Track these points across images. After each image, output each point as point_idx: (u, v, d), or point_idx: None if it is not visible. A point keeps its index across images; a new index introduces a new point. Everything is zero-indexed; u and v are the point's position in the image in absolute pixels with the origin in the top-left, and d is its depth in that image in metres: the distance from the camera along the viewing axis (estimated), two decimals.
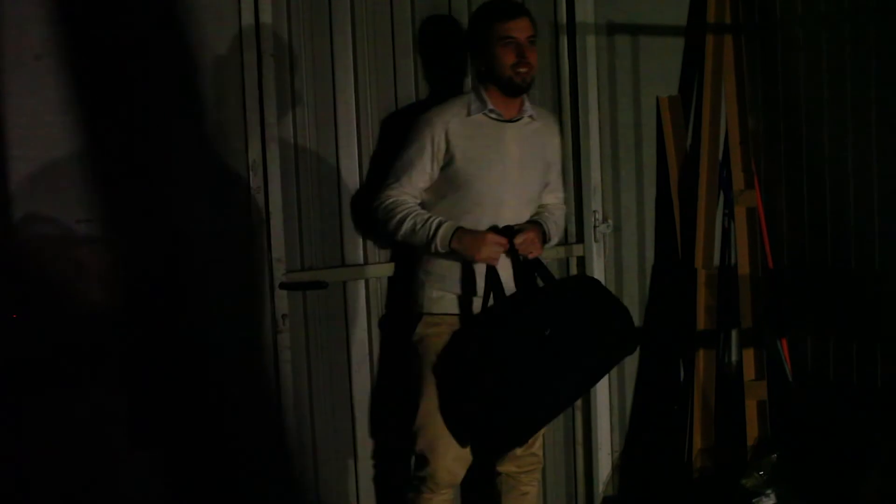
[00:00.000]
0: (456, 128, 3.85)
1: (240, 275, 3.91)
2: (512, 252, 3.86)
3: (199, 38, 3.80)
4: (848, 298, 4.61)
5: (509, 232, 3.84)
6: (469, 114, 3.88)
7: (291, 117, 4.02)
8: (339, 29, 4.10)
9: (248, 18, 3.85)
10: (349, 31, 4.12)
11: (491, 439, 3.82)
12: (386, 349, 4.24)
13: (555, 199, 4.18)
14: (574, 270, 4.68)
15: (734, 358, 5.02)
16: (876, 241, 4.47)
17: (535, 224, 3.96)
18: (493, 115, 3.89)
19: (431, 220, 3.81)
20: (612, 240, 4.78)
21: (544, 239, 3.98)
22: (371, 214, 3.95)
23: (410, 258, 4.03)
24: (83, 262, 3.26)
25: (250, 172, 3.90)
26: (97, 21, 3.60)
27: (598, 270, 4.69)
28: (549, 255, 4.58)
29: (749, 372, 4.83)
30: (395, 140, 4.02)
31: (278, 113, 3.94)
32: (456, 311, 3.91)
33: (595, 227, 4.67)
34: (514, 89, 3.87)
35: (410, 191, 3.87)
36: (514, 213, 3.92)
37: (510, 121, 3.93)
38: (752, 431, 4.80)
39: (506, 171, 3.90)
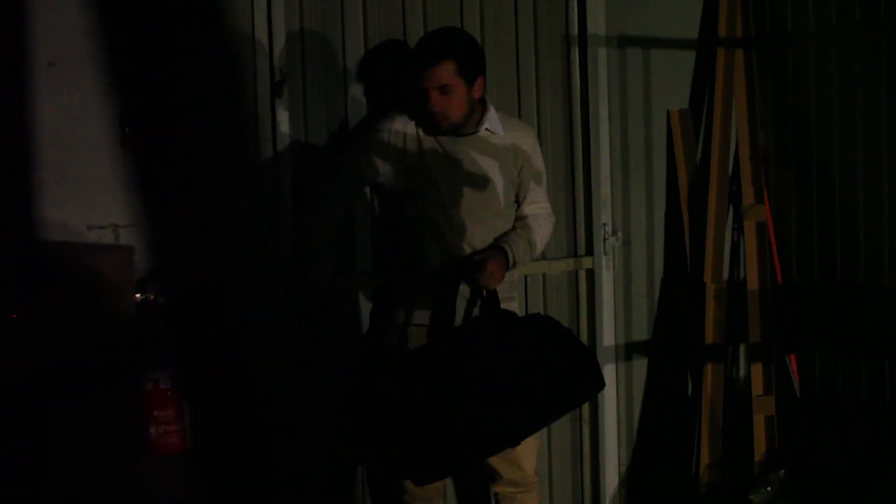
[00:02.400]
0: (411, 139, 3.83)
1: (258, 281, 3.92)
2: (472, 281, 3.77)
3: (213, 43, 3.82)
4: (857, 314, 4.61)
5: (471, 264, 3.74)
6: (418, 125, 3.85)
7: (303, 125, 4.03)
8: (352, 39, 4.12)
9: (261, 31, 3.87)
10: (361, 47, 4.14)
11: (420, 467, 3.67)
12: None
13: (537, 209, 4.04)
14: (583, 282, 4.67)
15: (742, 372, 5.02)
16: (885, 256, 4.46)
17: (499, 250, 3.82)
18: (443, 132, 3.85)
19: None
20: (621, 253, 4.78)
21: (507, 265, 3.83)
22: (306, 190, 3.95)
23: (386, 267, 4.04)
24: (99, 268, 3.26)
25: (269, 182, 3.92)
26: (108, 29, 3.61)
27: (606, 283, 4.69)
28: (558, 268, 4.58)
29: (757, 387, 4.82)
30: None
31: (290, 121, 3.96)
32: (425, 322, 3.86)
33: (604, 239, 4.67)
34: (438, 131, 3.83)
35: (349, 187, 3.88)
36: (472, 226, 3.87)
37: (464, 135, 3.86)
38: (760, 446, 4.79)
39: (456, 185, 3.85)
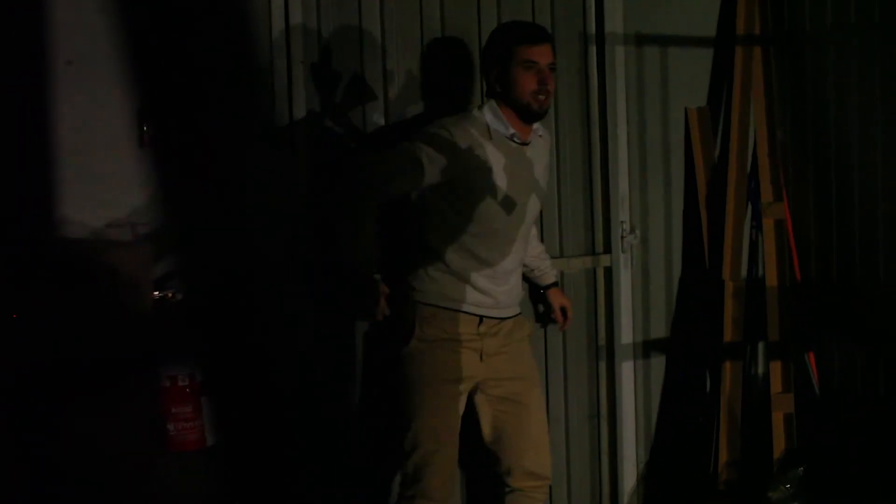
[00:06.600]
0: (477, 148, 3.70)
1: (281, 276, 3.92)
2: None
3: (230, 40, 3.82)
4: (876, 312, 4.59)
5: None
6: (491, 137, 3.72)
7: (319, 120, 4.03)
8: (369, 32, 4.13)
9: (278, 24, 3.89)
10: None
11: None
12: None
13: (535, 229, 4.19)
14: (601, 280, 4.67)
15: (761, 370, 5.01)
16: None
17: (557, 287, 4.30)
18: (515, 140, 3.78)
19: (365, 260, 3.71)
20: (639, 250, 4.78)
21: None
22: (343, 176, 3.81)
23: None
24: (117, 265, 3.27)
25: (287, 178, 3.94)
26: (126, 28, 3.62)
27: (624, 281, 4.69)
28: (576, 266, 4.58)
29: (776, 384, 4.81)
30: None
31: (307, 115, 3.97)
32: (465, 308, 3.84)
33: (623, 237, 4.67)
34: (530, 116, 3.76)
35: (382, 197, 3.76)
36: (516, 243, 3.87)
37: (525, 144, 3.83)
38: (779, 444, 4.78)
39: (516, 199, 3.79)
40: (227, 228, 3.79)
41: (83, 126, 3.54)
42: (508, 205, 3.77)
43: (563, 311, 4.28)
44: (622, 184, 4.67)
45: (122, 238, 3.60)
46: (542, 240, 4.36)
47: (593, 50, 4.62)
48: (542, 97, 3.73)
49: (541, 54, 3.73)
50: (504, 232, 3.80)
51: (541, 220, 4.43)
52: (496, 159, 3.73)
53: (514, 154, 3.79)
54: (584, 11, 4.60)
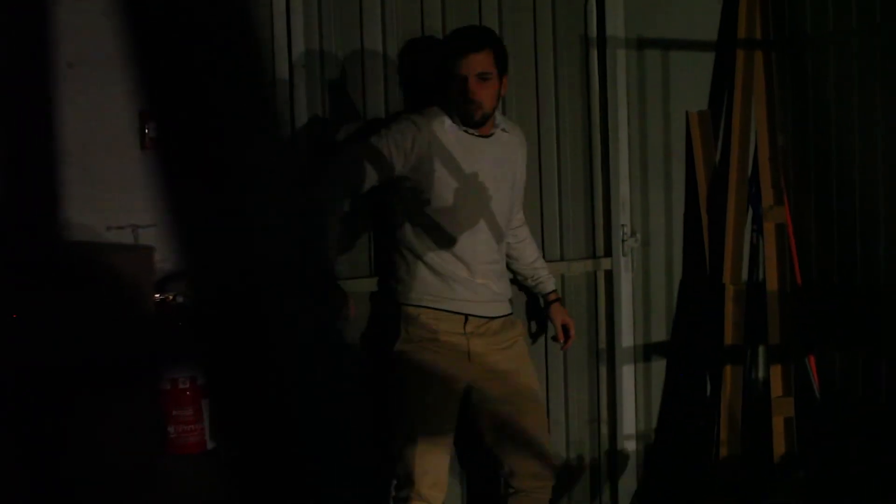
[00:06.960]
0: (440, 139, 3.81)
1: (284, 277, 3.93)
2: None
3: (233, 47, 3.83)
4: (876, 316, 4.59)
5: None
6: (448, 129, 3.83)
7: (321, 125, 4.04)
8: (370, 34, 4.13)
9: (280, 28, 3.89)
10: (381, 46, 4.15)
11: None
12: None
13: (519, 220, 4.17)
14: (602, 283, 4.68)
15: (761, 374, 5.01)
16: None
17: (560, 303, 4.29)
18: (472, 132, 3.86)
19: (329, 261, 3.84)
20: (640, 254, 4.78)
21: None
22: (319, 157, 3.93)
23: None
24: (119, 268, 3.28)
25: (288, 181, 3.93)
26: (128, 31, 3.63)
27: (625, 284, 4.70)
28: (577, 269, 4.59)
29: (776, 388, 4.81)
30: None
31: (308, 121, 3.98)
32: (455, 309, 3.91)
33: (623, 241, 4.67)
34: (468, 124, 3.84)
35: (357, 182, 3.80)
36: (487, 234, 3.91)
37: (486, 136, 3.90)
38: (779, 448, 4.78)
39: (482, 188, 3.87)
40: (228, 230, 3.80)
41: (84, 128, 3.54)
42: (470, 193, 3.85)
43: (566, 329, 4.26)
44: (623, 187, 4.67)
45: (123, 240, 3.61)
46: (542, 244, 4.37)
47: (594, 53, 4.62)
48: (469, 107, 3.80)
49: (465, 66, 3.77)
50: (473, 222, 3.87)
51: (541, 224, 4.45)
52: (455, 148, 3.82)
53: (473, 145, 3.87)
54: (585, 15, 4.60)
